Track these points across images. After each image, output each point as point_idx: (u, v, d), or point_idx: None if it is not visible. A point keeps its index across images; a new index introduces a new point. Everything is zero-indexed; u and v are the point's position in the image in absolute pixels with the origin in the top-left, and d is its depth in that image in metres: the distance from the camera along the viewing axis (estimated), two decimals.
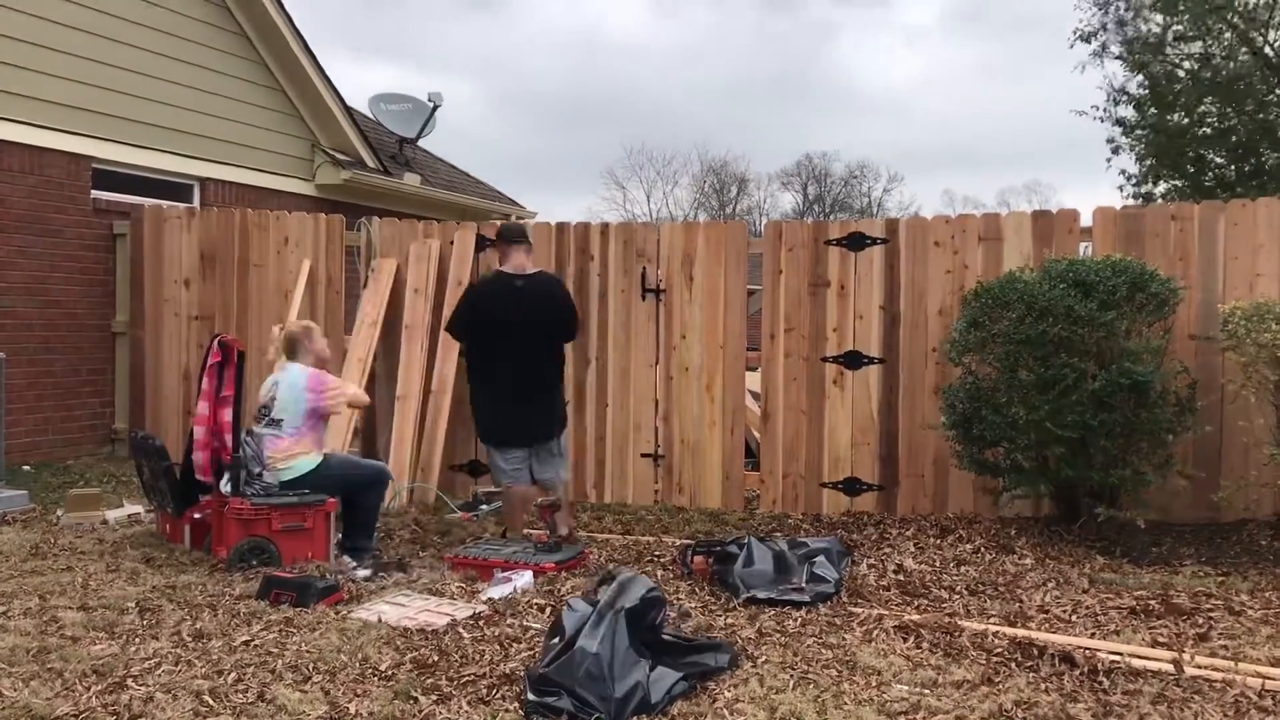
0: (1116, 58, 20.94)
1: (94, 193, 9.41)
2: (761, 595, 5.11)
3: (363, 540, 6.05)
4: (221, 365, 6.05)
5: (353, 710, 3.74)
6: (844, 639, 4.54)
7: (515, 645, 4.42)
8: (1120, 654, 4.28)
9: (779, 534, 6.63)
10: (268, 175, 11.42)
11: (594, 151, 78.93)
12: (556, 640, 3.98)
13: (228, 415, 5.97)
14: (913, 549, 6.23)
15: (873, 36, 77.03)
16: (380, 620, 4.76)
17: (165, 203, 9.72)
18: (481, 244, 8.28)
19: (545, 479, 6.37)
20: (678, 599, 5.11)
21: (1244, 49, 19.75)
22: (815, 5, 76.24)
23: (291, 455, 5.90)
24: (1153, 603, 5.07)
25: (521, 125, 74.66)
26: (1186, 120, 19.92)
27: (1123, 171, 21.08)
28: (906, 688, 3.97)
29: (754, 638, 4.56)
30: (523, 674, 3.98)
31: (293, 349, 6.15)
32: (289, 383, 6.02)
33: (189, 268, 9.05)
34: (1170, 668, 4.13)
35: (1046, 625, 4.79)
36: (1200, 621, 4.81)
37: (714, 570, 5.47)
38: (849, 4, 75.36)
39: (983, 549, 6.20)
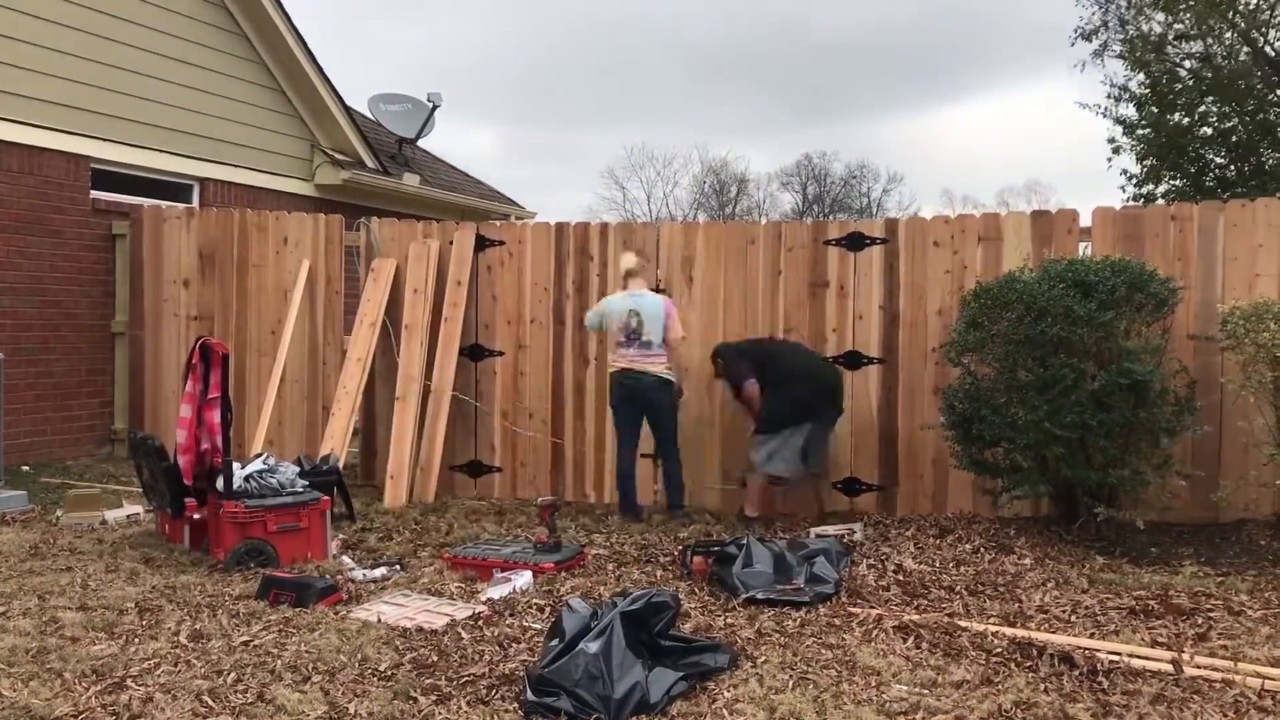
0: (1117, 56, 20.91)
1: (93, 193, 9.41)
2: (761, 596, 5.11)
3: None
4: (206, 368, 6.02)
5: (352, 710, 3.74)
6: (843, 639, 4.54)
7: (515, 645, 4.43)
8: (1120, 654, 4.28)
9: (782, 534, 6.63)
10: (267, 175, 11.42)
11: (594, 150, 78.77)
12: (556, 641, 3.98)
13: (216, 416, 5.95)
14: (912, 549, 6.22)
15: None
16: (379, 620, 4.76)
17: (164, 203, 9.72)
18: (481, 244, 8.28)
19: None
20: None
21: (1245, 48, 19.74)
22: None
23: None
24: (1152, 603, 5.07)
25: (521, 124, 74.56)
26: (1187, 120, 19.89)
27: (1123, 171, 21.03)
28: (906, 688, 3.97)
29: (753, 638, 4.55)
30: (522, 674, 3.99)
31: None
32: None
33: (188, 268, 9.05)
34: (1169, 668, 4.13)
35: (1046, 625, 4.79)
36: (1199, 621, 4.81)
37: (713, 571, 5.47)
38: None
39: (982, 549, 6.19)
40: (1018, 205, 45.98)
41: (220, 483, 5.82)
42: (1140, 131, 20.41)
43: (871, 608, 5.02)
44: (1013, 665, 4.21)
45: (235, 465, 5.94)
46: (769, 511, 7.24)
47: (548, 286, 8.14)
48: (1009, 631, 4.60)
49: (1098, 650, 4.34)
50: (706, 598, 5.22)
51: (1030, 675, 4.10)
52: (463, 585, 5.44)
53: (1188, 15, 19.27)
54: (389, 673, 4.10)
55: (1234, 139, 19.58)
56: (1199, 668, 4.15)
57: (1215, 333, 6.65)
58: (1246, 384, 6.26)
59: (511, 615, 4.86)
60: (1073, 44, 21.39)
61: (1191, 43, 20.19)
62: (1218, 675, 4.06)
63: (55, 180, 9.05)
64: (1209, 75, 19.57)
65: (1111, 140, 20.97)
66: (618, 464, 7.47)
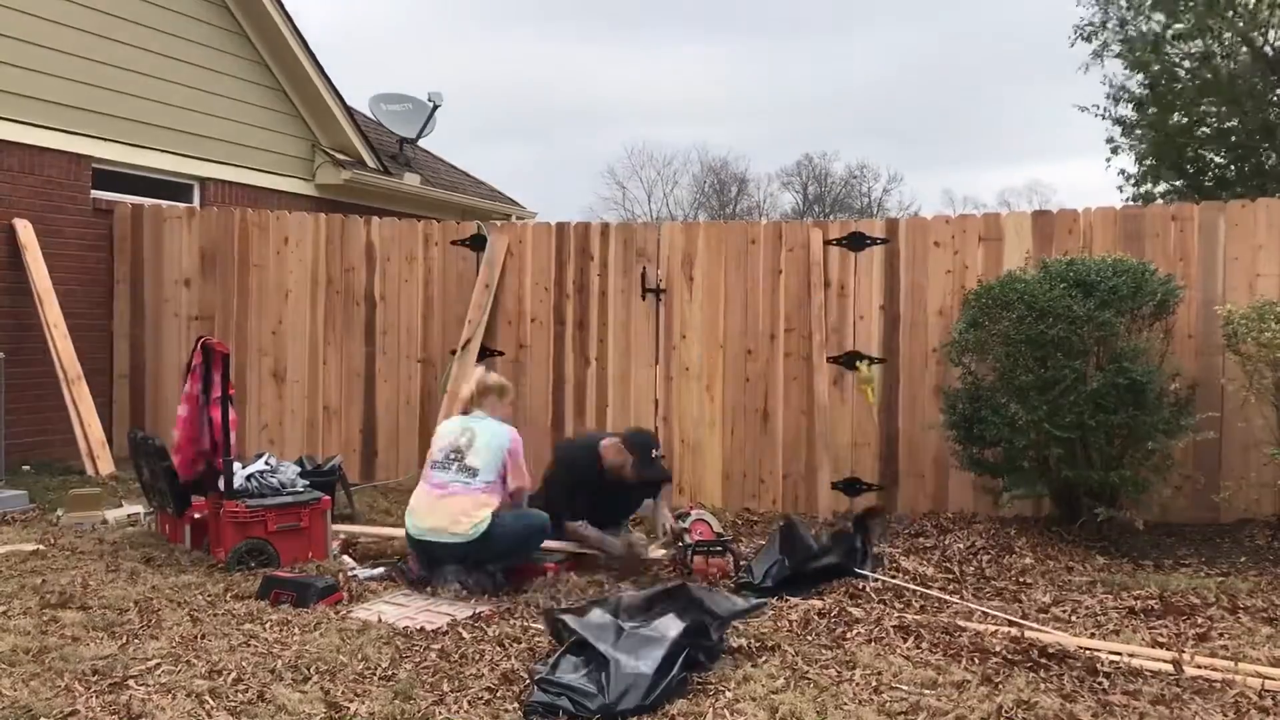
0: (1117, 56, 20.89)
1: (94, 193, 9.40)
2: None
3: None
4: (207, 368, 5.99)
5: (353, 710, 3.74)
6: (844, 639, 4.54)
7: (515, 645, 4.43)
8: (1120, 654, 4.28)
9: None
10: (268, 175, 11.41)
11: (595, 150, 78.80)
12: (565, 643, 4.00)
13: (219, 416, 5.93)
14: (912, 549, 6.22)
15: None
16: (380, 620, 4.76)
17: (165, 203, 9.72)
18: (481, 244, 8.28)
19: None
20: None
21: (1244, 48, 19.73)
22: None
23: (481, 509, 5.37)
24: (1153, 603, 5.07)
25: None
26: (1186, 120, 19.88)
27: (1122, 171, 21.01)
28: (906, 688, 3.97)
29: (753, 638, 4.55)
30: (523, 674, 3.98)
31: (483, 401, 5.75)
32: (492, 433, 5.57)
33: (189, 268, 9.04)
34: (1170, 668, 4.13)
35: (1046, 625, 4.79)
36: (1200, 621, 4.81)
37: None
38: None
39: (982, 549, 6.19)
40: (1018, 205, 45.95)
41: (221, 482, 5.81)
42: (1139, 131, 20.41)
43: (872, 608, 5.01)
44: (1013, 665, 4.21)
45: (236, 465, 5.94)
46: None
47: (548, 286, 8.14)
48: (1010, 631, 4.60)
49: (1098, 650, 4.34)
50: None
51: (1030, 675, 4.10)
52: None
53: (1187, 15, 19.25)
54: (389, 672, 4.10)
55: (1234, 139, 19.56)
56: (1199, 668, 4.14)
57: (1216, 333, 6.65)
58: (1247, 384, 6.27)
59: (512, 615, 4.86)
60: (1072, 45, 21.33)
61: (1191, 43, 20.16)
62: (1218, 675, 4.06)
63: (56, 180, 9.04)
64: (1209, 75, 19.55)
65: (1111, 140, 20.96)
66: None
